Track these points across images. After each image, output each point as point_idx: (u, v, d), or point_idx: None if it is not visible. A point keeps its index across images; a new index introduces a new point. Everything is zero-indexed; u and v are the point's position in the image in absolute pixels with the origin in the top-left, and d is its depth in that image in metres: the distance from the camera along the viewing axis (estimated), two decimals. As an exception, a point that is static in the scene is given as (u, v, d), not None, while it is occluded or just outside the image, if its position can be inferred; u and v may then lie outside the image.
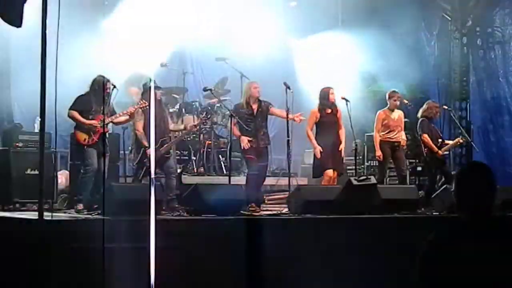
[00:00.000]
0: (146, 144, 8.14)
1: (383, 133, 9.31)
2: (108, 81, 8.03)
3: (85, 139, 7.85)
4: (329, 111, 8.85)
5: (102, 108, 7.93)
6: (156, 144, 8.15)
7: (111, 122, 8.18)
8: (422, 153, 9.52)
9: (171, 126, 8.64)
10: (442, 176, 9.51)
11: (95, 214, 7.03)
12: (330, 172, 8.69)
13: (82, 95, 8.02)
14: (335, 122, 8.87)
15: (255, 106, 8.61)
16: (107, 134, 8.12)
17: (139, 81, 10.85)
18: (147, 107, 8.24)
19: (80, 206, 7.65)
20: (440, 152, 9.39)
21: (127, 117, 8.21)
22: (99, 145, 7.87)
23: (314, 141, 8.72)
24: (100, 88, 7.95)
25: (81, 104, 7.95)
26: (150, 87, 8.25)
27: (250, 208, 7.83)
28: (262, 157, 8.53)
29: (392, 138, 9.30)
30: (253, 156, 8.48)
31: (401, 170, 9.31)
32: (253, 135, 8.50)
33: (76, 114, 7.87)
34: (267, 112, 8.64)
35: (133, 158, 8.53)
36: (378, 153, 9.23)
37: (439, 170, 9.49)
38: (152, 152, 7.34)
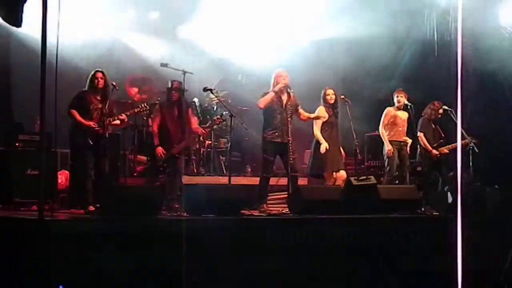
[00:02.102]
0: (156, 143, 8.14)
1: (391, 133, 9.30)
2: (98, 71, 7.90)
3: (82, 140, 7.82)
4: (330, 112, 8.84)
5: (101, 106, 7.87)
6: (167, 144, 8.18)
7: (109, 124, 7.96)
8: (419, 152, 9.56)
9: (194, 126, 8.56)
10: (439, 176, 9.51)
11: (96, 215, 7.02)
12: (330, 173, 8.69)
13: (81, 91, 7.86)
14: (336, 123, 8.84)
15: (284, 98, 8.44)
16: (107, 133, 8.05)
17: (140, 82, 10.91)
18: (146, 111, 8.23)
19: (92, 208, 7.48)
20: (434, 152, 9.38)
21: (118, 122, 8.04)
22: (97, 146, 7.81)
23: (321, 138, 8.70)
24: (93, 83, 7.87)
25: (80, 102, 7.79)
26: (170, 88, 8.33)
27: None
28: (284, 152, 8.33)
29: (399, 139, 9.30)
30: (270, 157, 8.42)
31: (403, 170, 9.31)
32: (279, 128, 8.36)
33: (75, 113, 7.71)
34: (296, 108, 8.48)
35: (138, 157, 8.52)
36: (389, 147, 9.20)
37: (436, 170, 9.48)
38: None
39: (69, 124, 7.87)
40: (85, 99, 7.84)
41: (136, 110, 8.16)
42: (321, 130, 8.79)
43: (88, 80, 7.90)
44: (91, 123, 7.75)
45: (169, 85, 8.45)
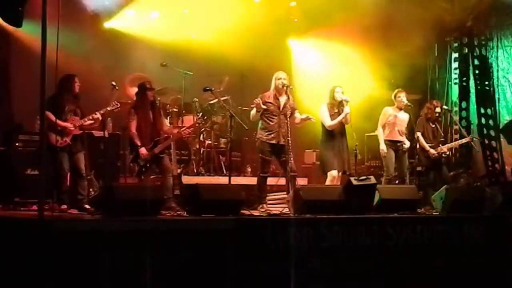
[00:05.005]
0: (138, 143, 8.16)
1: (387, 132, 9.29)
2: (75, 75, 8.05)
3: (57, 141, 7.77)
4: (335, 110, 8.82)
5: (74, 108, 7.98)
6: (149, 144, 8.21)
7: (82, 125, 8.05)
8: (416, 152, 9.56)
9: (165, 128, 8.59)
10: (439, 176, 9.50)
11: (95, 214, 7.04)
12: (334, 172, 8.68)
13: (55, 93, 7.73)
14: (341, 122, 8.81)
15: (282, 100, 8.44)
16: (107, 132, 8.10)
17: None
18: (118, 109, 8.28)
19: (87, 206, 7.73)
20: (432, 151, 9.36)
21: (92, 121, 8.10)
22: (71, 147, 7.91)
23: (334, 121, 8.68)
24: (71, 87, 7.98)
25: (53, 105, 7.74)
26: (144, 88, 8.36)
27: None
28: (279, 153, 8.36)
29: (395, 138, 9.28)
30: (268, 157, 8.43)
31: (402, 170, 9.31)
32: (275, 130, 8.37)
33: (50, 114, 7.61)
34: (291, 112, 8.46)
35: (129, 157, 8.59)
36: (382, 147, 9.20)
37: (435, 170, 9.47)
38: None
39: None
40: (59, 101, 7.91)
41: (108, 108, 8.17)
42: (322, 131, 8.79)
43: (63, 84, 7.92)
44: (68, 124, 7.90)
45: (145, 86, 8.42)
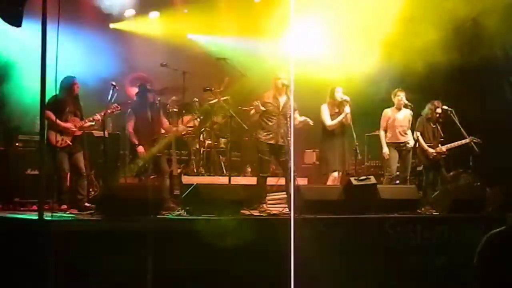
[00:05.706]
0: (136, 142, 8.17)
1: (389, 135, 9.28)
2: (75, 78, 8.12)
3: (57, 141, 7.81)
4: (336, 110, 8.82)
5: (74, 109, 8.01)
6: (147, 143, 8.21)
7: (82, 127, 8.13)
8: (416, 152, 9.56)
9: (165, 125, 8.60)
10: (438, 176, 9.49)
11: (96, 215, 7.03)
12: (335, 172, 8.68)
13: (54, 95, 7.61)
14: (342, 122, 8.81)
15: (282, 100, 8.45)
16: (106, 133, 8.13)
17: (139, 82, 10.90)
18: (118, 112, 8.31)
19: (87, 205, 7.80)
20: (430, 151, 9.35)
21: (93, 123, 8.18)
22: (70, 148, 7.94)
23: (334, 122, 8.69)
24: (70, 89, 8.04)
25: (54, 105, 7.74)
26: (144, 89, 8.39)
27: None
28: (278, 153, 8.40)
29: (397, 140, 9.27)
30: (267, 157, 8.43)
31: (405, 170, 9.30)
32: (273, 130, 8.41)
33: (51, 114, 7.61)
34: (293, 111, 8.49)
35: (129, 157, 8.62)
36: (385, 149, 9.20)
37: (434, 170, 9.46)
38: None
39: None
40: (61, 103, 7.95)
41: (109, 111, 8.20)
42: (322, 131, 8.80)
43: (63, 85, 7.96)
44: (69, 125, 7.97)
45: (144, 87, 8.45)
